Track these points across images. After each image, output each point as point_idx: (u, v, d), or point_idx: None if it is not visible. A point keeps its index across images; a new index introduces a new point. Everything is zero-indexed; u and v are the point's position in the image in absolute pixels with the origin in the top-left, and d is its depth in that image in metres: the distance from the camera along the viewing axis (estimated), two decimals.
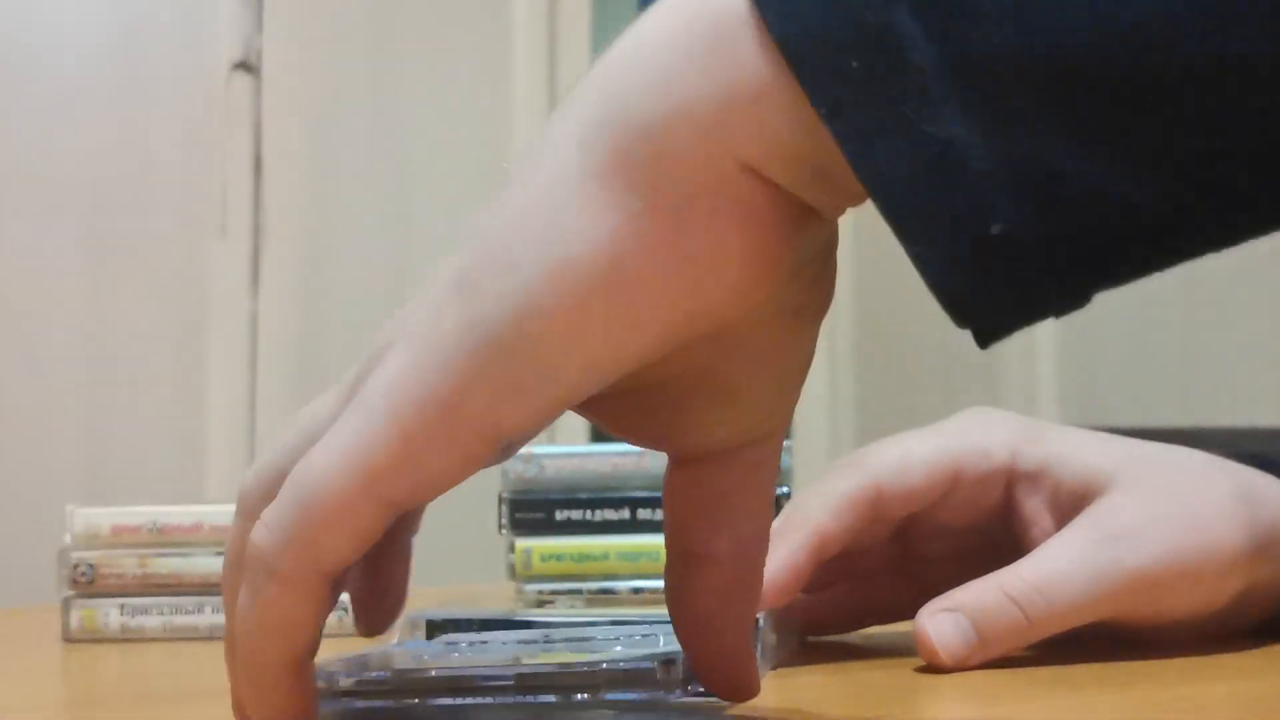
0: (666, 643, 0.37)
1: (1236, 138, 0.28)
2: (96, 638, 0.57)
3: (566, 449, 0.62)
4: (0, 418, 1.55)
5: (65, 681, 0.52)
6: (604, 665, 0.36)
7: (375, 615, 0.37)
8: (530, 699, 0.36)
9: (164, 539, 0.57)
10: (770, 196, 0.30)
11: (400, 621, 0.43)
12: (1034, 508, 0.50)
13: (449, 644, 0.42)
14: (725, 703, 0.36)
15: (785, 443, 0.36)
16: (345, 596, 0.59)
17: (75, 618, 0.57)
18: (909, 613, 0.47)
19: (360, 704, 0.37)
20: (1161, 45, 0.28)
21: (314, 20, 1.72)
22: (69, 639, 0.56)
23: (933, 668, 0.45)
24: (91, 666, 0.53)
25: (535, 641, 0.41)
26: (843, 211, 0.32)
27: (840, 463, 0.51)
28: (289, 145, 1.69)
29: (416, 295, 0.32)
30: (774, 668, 0.45)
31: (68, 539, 0.57)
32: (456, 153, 1.78)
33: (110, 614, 0.57)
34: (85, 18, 1.61)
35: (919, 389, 1.72)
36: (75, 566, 0.56)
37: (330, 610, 0.33)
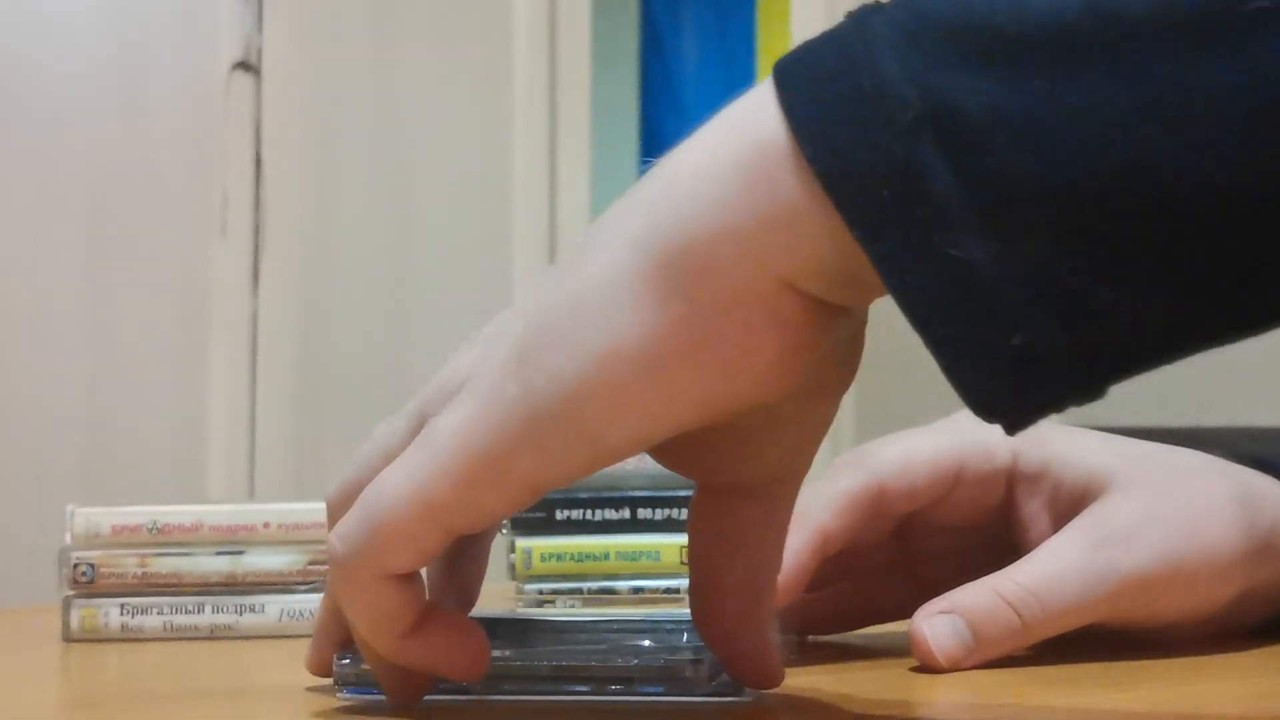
0: (690, 640, 0.40)
1: (1237, 255, 0.31)
2: (96, 638, 0.56)
3: None
4: (0, 418, 1.55)
5: (65, 681, 0.52)
6: (635, 661, 0.39)
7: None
8: (565, 690, 0.39)
9: (164, 539, 0.57)
10: (804, 306, 0.33)
11: None
12: (1033, 509, 0.50)
13: None
14: (740, 704, 0.39)
15: None
16: None
17: (75, 618, 0.57)
18: (908, 612, 0.47)
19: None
20: (1162, 175, 0.30)
21: (314, 20, 1.72)
22: (69, 639, 0.56)
23: (928, 669, 0.45)
24: (91, 666, 0.52)
25: (563, 633, 0.44)
26: (871, 302, 0.35)
27: (841, 460, 0.51)
28: (289, 145, 1.69)
29: (482, 337, 0.37)
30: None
31: (68, 539, 0.57)
32: (456, 153, 1.78)
33: (110, 614, 0.57)
34: (85, 18, 1.61)
35: (919, 388, 1.72)
36: (75, 566, 0.56)
37: (413, 596, 0.36)
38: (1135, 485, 0.48)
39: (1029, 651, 0.47)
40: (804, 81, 0.33)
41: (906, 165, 0.31)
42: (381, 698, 0.39)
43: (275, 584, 0.57)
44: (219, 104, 1.65)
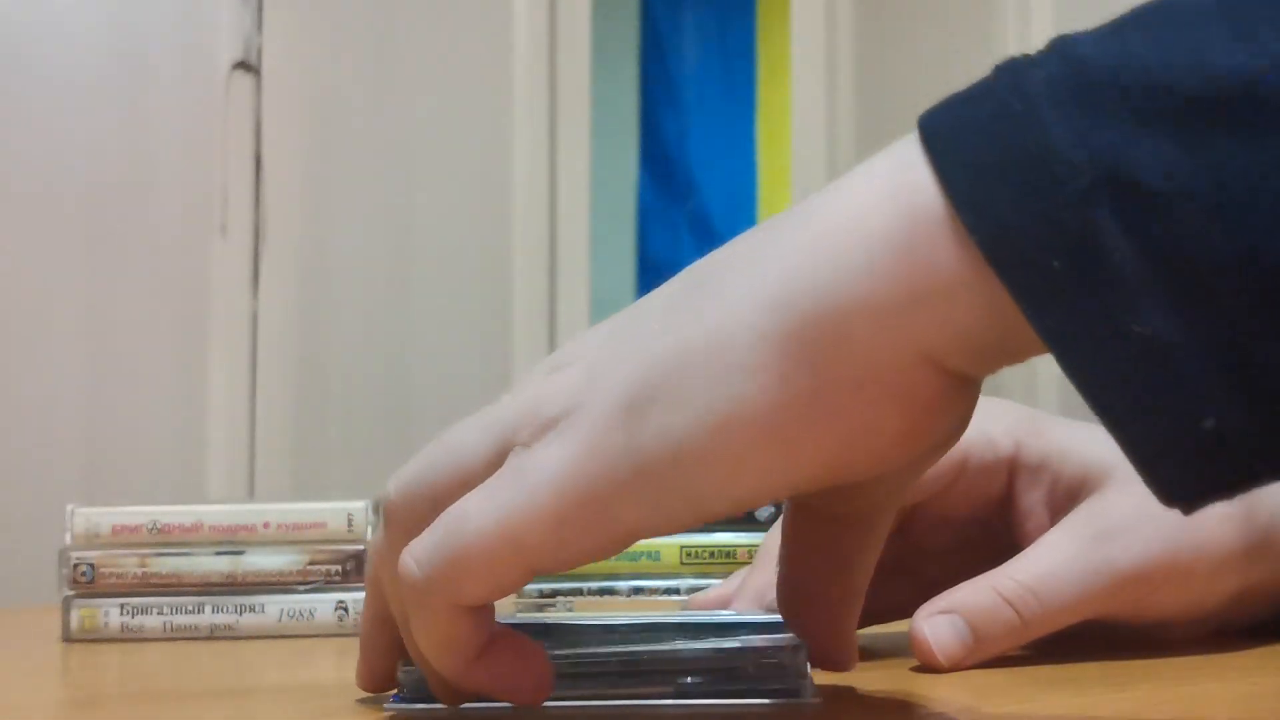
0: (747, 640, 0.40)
1: None
2: (96, 638, 0.57)
3: None
4: (0, 418, 1.55)
5: (65, 681, 0.52)
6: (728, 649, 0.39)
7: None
8: (650, 684, 0.39)
9: (164, 539, 0.57)
10: (938, 382, 0.32)
11: None
12: (1032, 500, 0.50)
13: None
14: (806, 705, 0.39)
15: None
16: (347, 596, 0.59)
17: (75, 618, 0.57)
18: (908, 612, 0.47)
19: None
20: None
21: (314, 20, 1.72)
22: (69, 639, 0.56)
23: (930, 669, 0.45)
24: (91, 666, 0.53)
25: (623, 633, 0.43)
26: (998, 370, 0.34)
27: None
28: (289, 145, 1.69)
29: (577, 358, 0.35)
30: None
31: (68, 539, 0.57)
32: (456, 153, 1.78)
33: (110, 614, 0.57)
34: (85, 18, 1.61)
35: None
36: (75, 566, 0.56)
37: (484, 624, 0.36)
38: (1132, 480, 0.48)
39: (1029, 651, 0.47)
40: (957, 142, 0.31)
41: (1081, 235, 0.29)
42: (435, 707, 0.38)
43: (275, 584, 0.57)
44: (219, 104, 1.65)
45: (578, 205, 1.86)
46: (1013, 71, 0.31)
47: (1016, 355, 0.32)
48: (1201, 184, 0.28)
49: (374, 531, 0.55)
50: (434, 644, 0.35)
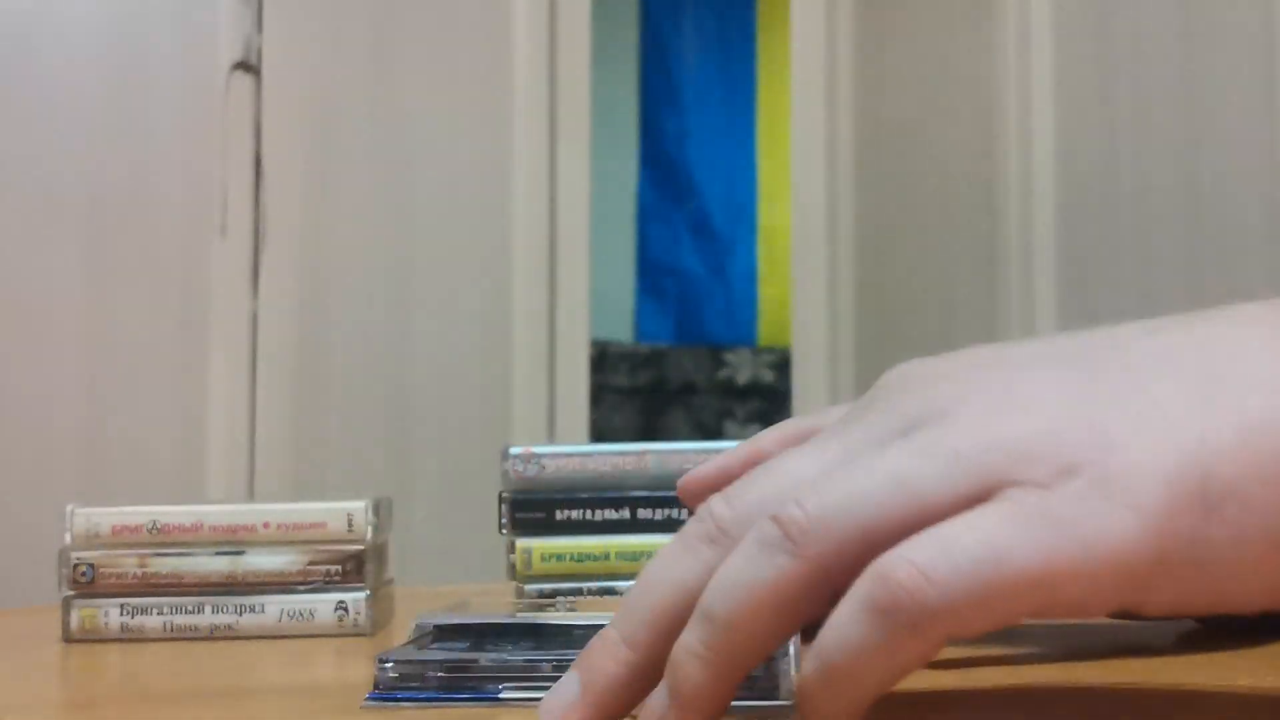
0: None
1: None
2: (96, 638, 0.57)
3: (566, 449, 0.62)
4: (0, 418, 1.55)
5: (65, 681, 0.52)
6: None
7: None
8: None
9: (164, 539, 0.57)
10: None
11: (411, 627, 0.43)
12: None
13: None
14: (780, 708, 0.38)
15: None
16: (347, 596, 0.58)
17: (75, 618, 0.57)
18: None
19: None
20: None
21: (314, 20, 1.72)
22: (69, 639, 0.56)
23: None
24: (91, 666, 0.52)
25: None
26: None
27: None
28: (289, 145, 1.69)
29: (1033, 398, 0.34)
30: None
31: (68, 539, 0.57)
32: (456, 153, 1.78)
33: (110, 614, 0.57)
34: (85, 18, 1.61)
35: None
36: (75, 566, 0.56)
37: None
38: None
39: (1028, 651, 0.47)
40: None
41: None
42: (414, 703, 0.37)
43: (275, 584, 0.57)
44: (219, 104, 1.65)
45: (578, 205, 1.86)
46: None
47: None
48: None
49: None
50: (901, 673, 0.33)
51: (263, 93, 1.68)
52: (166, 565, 0.57)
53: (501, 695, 0.39)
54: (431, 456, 1.63)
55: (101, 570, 0.57)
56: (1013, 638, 0.51)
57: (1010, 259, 1.67)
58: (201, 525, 0.57)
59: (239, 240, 1.66)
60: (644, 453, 0.60)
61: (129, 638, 0.56)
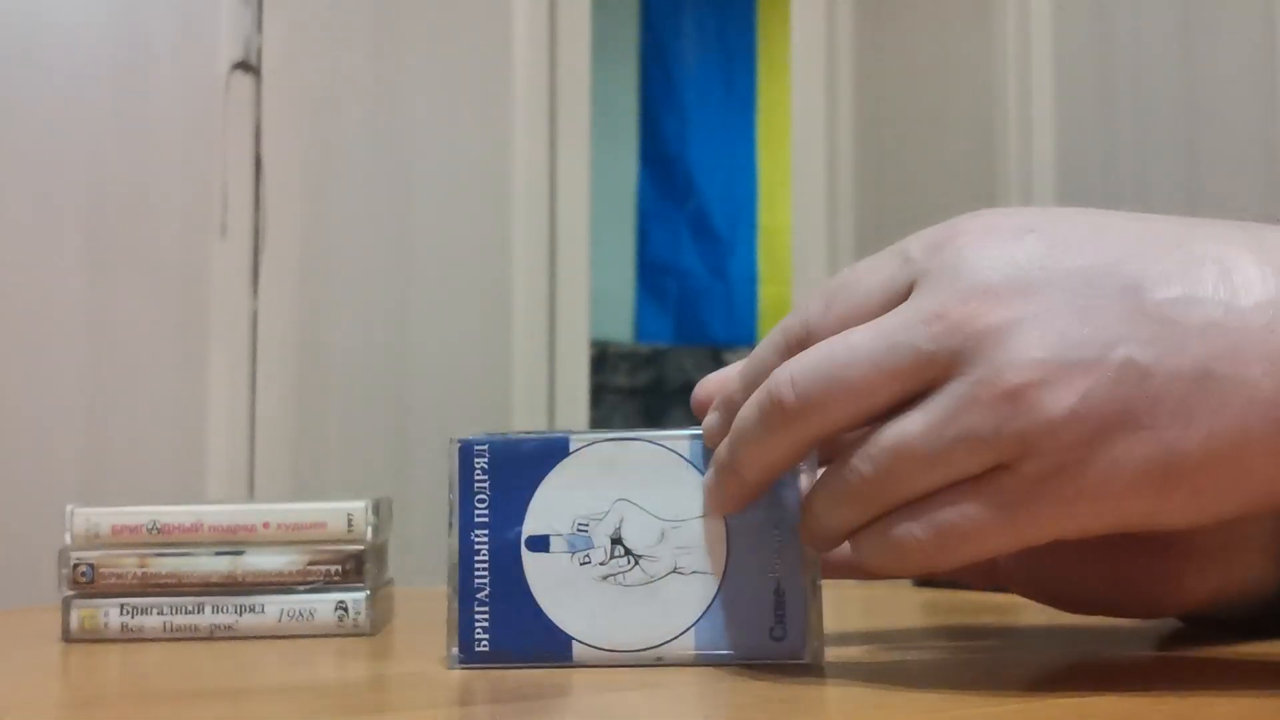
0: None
1: None
2: (96, 638, 0.57)
3: None
4: (0, 418, 1.55)
5: (65, 681, 0.52)
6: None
7: None
8: None
9: (164, 539, 0.57)
10: None
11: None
12: None
13: None
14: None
15: None
16: (347, 596, 0.59)
17: (75, 618, 0.57)
18: None
19: None
20: None
21: (314, 20, 1.72)
22: (69, 639, 0.56)
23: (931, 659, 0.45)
24: (91, 666, 0.52)
25: None
26: None
27: None
28: (289, 145, 1.69)
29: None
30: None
31: (68, 539, 0.57)
32: (456, 152, 1.78)
33: (110, 614, 0.57)
34: (85, 18, 1.61)
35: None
36: (75, 566, 0.56)
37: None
38: None
39: (1028, 650, 0.47)
40: None
41: None
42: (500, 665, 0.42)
43: (275, 584, 0.57)
44: (219, 104, 1.66)
45: (578, 205, 1.86)
46: None
47: None
48: None
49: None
50: (757, 462, 0.41)
51: (263, 93, 1.68)
52: (166, 565, 0.57)
53: (574, 654, 0.43)
54: (431, 456, 1.63)
55: (101, 570, 0.57)
56: (1001, 647, 0.51)
57: None
58: (201, 525, 0.57)
59: (239, 240, 1.66)
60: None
61: (129, 638, 0.56)
